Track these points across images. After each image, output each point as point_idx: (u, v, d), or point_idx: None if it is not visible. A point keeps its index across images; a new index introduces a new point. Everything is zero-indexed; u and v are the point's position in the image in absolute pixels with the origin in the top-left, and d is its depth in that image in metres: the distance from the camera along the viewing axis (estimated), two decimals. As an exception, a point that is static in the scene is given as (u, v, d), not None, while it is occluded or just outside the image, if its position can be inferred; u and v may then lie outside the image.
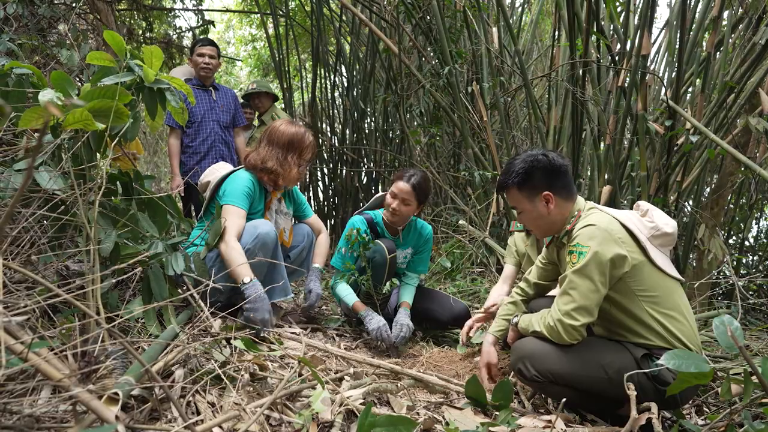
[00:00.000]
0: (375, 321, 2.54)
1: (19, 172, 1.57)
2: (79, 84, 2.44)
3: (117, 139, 1.73)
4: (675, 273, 1.81)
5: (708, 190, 5.42)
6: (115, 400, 1.14)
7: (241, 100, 4.72)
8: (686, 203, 4.58)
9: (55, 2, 3.97)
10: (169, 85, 1.82)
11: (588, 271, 1.69)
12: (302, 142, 2.51)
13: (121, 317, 1.48)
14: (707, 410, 2.11)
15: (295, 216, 2.84)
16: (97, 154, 1.70)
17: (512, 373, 2.01)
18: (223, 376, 1.49)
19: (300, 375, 1.72)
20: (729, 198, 5.42)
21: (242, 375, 1.61)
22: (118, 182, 1.92)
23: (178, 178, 3.77)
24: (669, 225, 1.81)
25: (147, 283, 1.84)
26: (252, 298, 2.08)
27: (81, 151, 1.64)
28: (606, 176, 3.92)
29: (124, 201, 1.92)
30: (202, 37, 4.60)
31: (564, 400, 1.46)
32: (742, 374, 1.36)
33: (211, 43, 3.92)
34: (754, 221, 5.87)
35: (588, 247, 1.69)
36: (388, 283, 2.75)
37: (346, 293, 2.72)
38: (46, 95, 1.23)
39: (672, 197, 4.09)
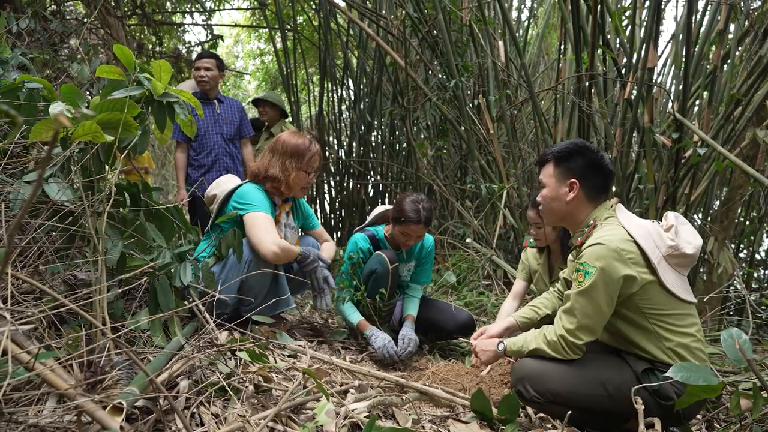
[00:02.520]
0: (380, 339, 2.53)
1: (29, 183, 1.59)
2: (89, 97, 2.48)
3: (126, 151, 1.75)
4: (688, 296, 1.74)
5: (717, 203, 5.38)
6: (119, 410, 1.14)
7: (250, 115, 4.77)
8: (695, 216, 4.55)
9: (67, 18, 4.04)
10: (177, 98, 1.84)
11: (593, 292, 1.65)
12: (306, 151, 2.51)
13: (126, 328, 1.48)
14: (717, 426, 2.07)
15: (302, 228, 2.85)
16: (106, 166, 1.72)
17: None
18: (227, 388, 1.49)
19: (305, 387, 1.72)
20: (739, 211, 5.38)
21: (247, 386, 1.60)
22: (126, 193, 1.94)
23: (183, 192, 3.80)
24: (691, 245, 1.73)
25: (154, 294, 1.85)
26: (310, 259, 2.41)
27: (90, 163, 1.66)
28: (613, 189, 3.91)
29: (132, 212, 1.93)
30: (202, 51, 4.61)
31: (570, 412, 1.44)
32: (752, 388, 1.34)
33: (211, 55, 3.93)
34: (764, 234, 5.81)
35: (594, 267, 1.65)
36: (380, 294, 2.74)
37: (351, 312, 2.71)
38: (56, 108, 1.25)
39: (681, 210, 4.06)
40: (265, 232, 2.28)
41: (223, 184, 2.59)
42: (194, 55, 6.75)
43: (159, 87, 1.77)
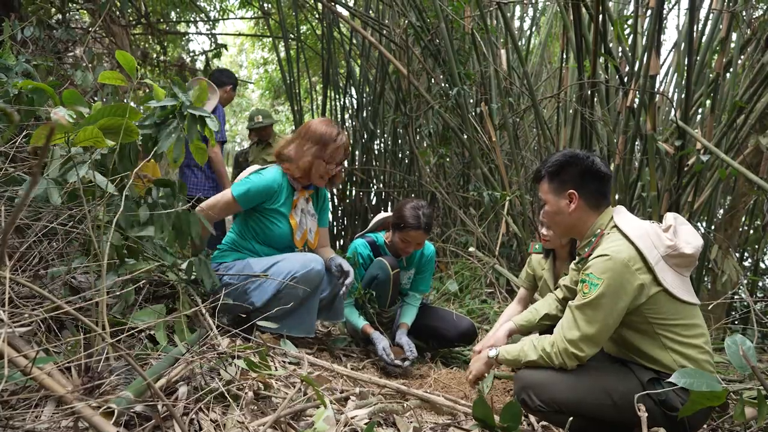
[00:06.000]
0: (383, 344, 2.53)
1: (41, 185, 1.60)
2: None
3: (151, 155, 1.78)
4: (690, 297, 1.72)
5: (721, 211, 5.36)
6: (114, 414, 1.14)
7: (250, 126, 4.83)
8: (699, 224, 4.53)
9: (72, 26, 4.07)
10: (209, 114, 1.92)
11: (599, 303, 1.63)
12: (330, 142, 2.46)
13: (128, 330, 1.48)
14: (723, 435, 2.05)
15: None
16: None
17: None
18: (226, 394, 1.48)
19: (305, 394, 1.70)
20: (743, 219, 5.35)
21: (246, 393, 1.59)
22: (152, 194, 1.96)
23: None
24: (690, 245, 1.70)
25: (206, 269, 2.02)
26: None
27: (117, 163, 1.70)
28: (616, 196, 3.89)
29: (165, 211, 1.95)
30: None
31: (571, 419, 1.42)
32: (757, 396, 1.32)
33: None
34: (768, 243, 5.78)
35: (601, 279, 1.63)
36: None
37: (354, 317, 2.71)
38: (58, 111, 1.25)
39: (684, 218, 4.04)
40: (212, 205, 2.37)
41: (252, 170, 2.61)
42: (198, 64, 6.80)
43: (161, 93, 1.79)
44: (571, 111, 4.82)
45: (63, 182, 1.56)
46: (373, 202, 6.70)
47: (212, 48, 6.60)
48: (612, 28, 3.91)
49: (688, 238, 1.73)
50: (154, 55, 6.31)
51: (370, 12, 6.29)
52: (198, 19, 7.41)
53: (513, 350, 1.86)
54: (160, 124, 1.84)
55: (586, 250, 1.80)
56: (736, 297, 3.15)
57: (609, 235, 1.76)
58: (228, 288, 2.18)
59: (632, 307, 1.67)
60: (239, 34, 9.82)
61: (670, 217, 1.80)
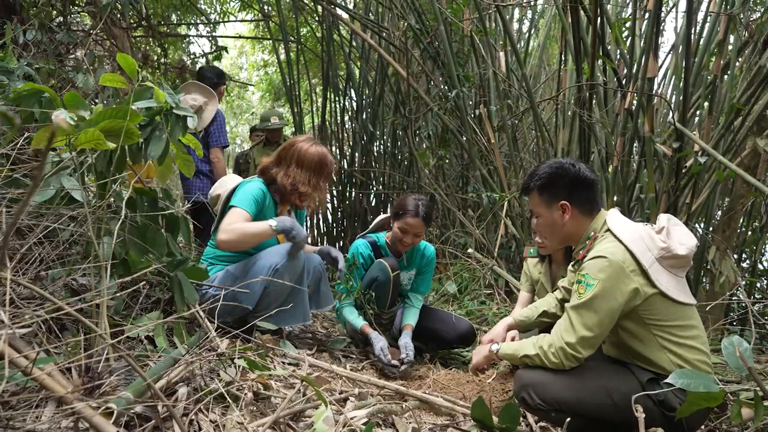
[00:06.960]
0: (380, 344, 2.54)
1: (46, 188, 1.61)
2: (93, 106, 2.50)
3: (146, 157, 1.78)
4: (685, 297, 1.73)
5: (719, 213, 5.37)
6: (113, 415, 1.15)
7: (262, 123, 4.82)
8: (697, 226, 4.54)
9: (73, 29, 4.08)
10: (190, 112, 1.90)
11: (594, 304, 1.65)
12: (329, 166, 2.53)
13: (133, 331, 1.49)
14: (720, 436, 2.05)
15: None
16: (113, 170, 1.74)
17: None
18: (226, 395, 1.49)
19: (304, 395, 1.71)
20: (741, 221, 5.36)
21: (246, 394, 1.60)
22: (142, 198, 1.96)
23: None
24: (684, 246, 1.71)
25: (179, 288, 1.91)
26: (289, 226, 2.28)
27: (104, 167, 1.69)
28: (614, 198, 3.90)
29: (148, 218, 1.95)
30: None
31: (569, 420, 1.43)
32: (753, 397, 1.33)
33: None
34: (766, 244, 5.78)
35: (597, 280, 1.65)
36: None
37: (353, 317, 2.72)
38: (59, 114, 1.26)
39: (682, 219, 4.05)
40: (228, 223, 2.27)
41: (227, 183, 2.61)
42: (198, 66, 6.80)
43: (161, 95, 1.79)
44: (569, 113, 4.83)
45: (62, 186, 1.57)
46: (373, 204, 6.71)
47: (213, 50, 6.61)
48: (610, 31, 3.93)
49: (682, 239, 1.73)
50: (155, 58, 6.32)
51: (370, 15, 6.30)
52: (198, 21, 7.42)
53: (513, 345, 1.90)
54: (146, 126, 1.80)
55: (581, 253, 1.81)
56: (734, 298, 3.15)
57: (603, 237, 1.78)
58: (215, 299, 2.17)
59: (628, 309, 1.68)
60: (239, 37, 9.82)
61: (663, 219, 1.80)
